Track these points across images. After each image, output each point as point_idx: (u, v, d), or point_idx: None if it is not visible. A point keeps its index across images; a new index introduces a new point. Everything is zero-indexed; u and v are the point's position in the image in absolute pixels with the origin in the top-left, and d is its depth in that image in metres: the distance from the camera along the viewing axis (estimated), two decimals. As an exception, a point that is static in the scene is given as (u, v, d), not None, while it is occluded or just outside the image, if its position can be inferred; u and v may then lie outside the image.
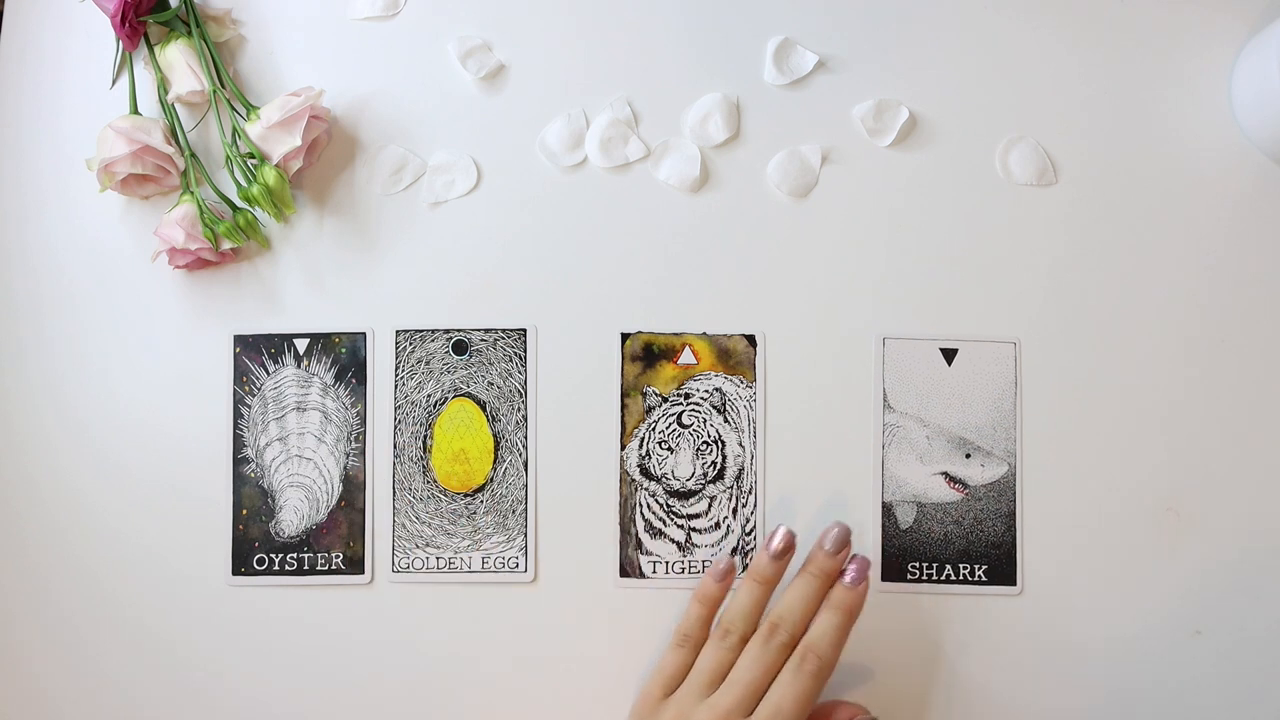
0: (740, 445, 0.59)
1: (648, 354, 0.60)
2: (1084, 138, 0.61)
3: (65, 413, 0.60)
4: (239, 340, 0.60)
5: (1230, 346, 0.60)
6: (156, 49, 0.60)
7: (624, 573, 0.59)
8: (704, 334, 0.60)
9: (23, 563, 0.59)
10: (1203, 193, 0.61)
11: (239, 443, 0.60)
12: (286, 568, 0.59)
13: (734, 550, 0.59)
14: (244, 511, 0.59)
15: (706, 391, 0.60)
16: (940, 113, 0.61)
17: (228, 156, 0.59)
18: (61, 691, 0.58)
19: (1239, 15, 0.62)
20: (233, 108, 0.59)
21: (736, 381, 0.60)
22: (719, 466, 0.59)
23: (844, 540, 0.53)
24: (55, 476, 0.59)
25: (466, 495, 0.59)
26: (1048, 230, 0.60)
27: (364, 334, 0.60)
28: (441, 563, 0.59)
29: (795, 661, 0.51)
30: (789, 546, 0.54)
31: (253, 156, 0.58)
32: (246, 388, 0.60)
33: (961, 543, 0.59)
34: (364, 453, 0.60)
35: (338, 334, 0.60)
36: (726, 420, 0.59)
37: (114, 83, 0.61)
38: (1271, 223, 0.60)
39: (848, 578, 0.53)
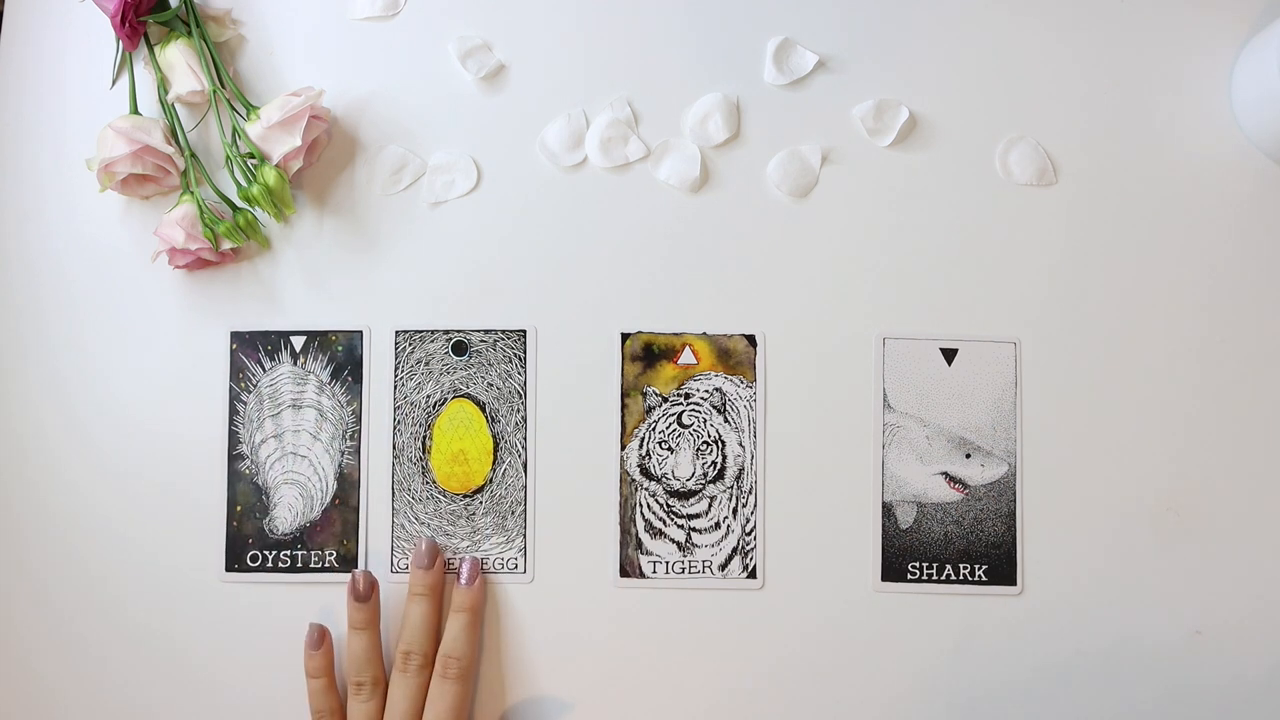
0: (740, 445, 0.59)
1: (648, 354, 0.60)
2: (1084, 138, 0.61)
3: (64, 411, 0.60)
4: (235, 337, 0.60)
5: (1231, 346, 0.59)
6: (156, 49, 0.60)
7: (624, 573, 0.59)
8: (704, 334, 0.60)
9: (19, 557, 0.59)
10: (1203, 193, 0.60)
11: (234, 439, 0.60)
12: (280, 564, 0.59)
13: (734, 550, 0.59)
14: (238, 508, 0.59)
15: (706, 391, 0.59)
16: (940, 113, 0.61)
17: (228, 156, 0.59)
18: (56, 685, 0.58)
19: (1239, 15, 0.62)
20: (233, 108, 0.59)
21: (736, 381, 0.60)
22: (719, 466, 0.59)
23: (429, 554, 0.57)
24: (52, 472, 0.59)
25: (466, 496, 0.59)
26: (1048, 230, 0.60)
27: (360, 332, 0.60)
28: (440, 562, 0.59)
29: (439, 672, 0.55)
30: (369, 588, 0.57)
31: (253, 156, 0.58)
32: (242, 384, 0.60)
33: (961, 543, 0.59)
34: (359, 451, 0.60)
35: (334, 332, 0.60)
36: (726, 420, 0.59)
37: (114, 83, 0.61)
38: (1271, 223, 0.60)
39: (461, 580, 0.57)
